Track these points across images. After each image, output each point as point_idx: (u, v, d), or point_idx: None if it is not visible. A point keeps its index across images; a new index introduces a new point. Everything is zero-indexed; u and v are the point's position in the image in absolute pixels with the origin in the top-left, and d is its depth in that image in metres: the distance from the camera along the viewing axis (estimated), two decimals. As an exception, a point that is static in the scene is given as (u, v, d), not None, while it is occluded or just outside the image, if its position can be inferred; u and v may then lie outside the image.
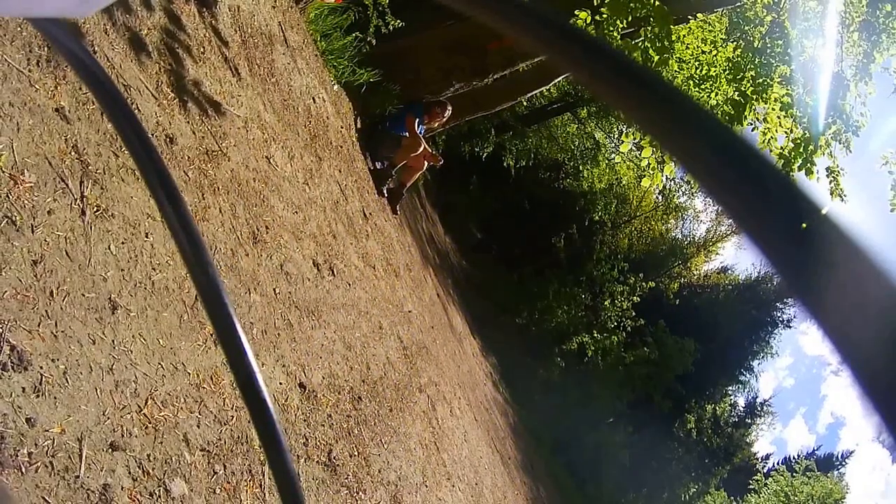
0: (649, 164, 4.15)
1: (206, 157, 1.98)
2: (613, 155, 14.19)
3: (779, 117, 4.37)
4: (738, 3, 4.75)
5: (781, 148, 4.41)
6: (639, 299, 14.02)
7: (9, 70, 1.26)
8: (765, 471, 23.72)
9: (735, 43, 4.62)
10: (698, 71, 4.50)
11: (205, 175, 1.92)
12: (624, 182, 15.12)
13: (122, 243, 1.39)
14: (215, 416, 1.43)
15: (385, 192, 4.61)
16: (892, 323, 0.12)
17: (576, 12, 3.60)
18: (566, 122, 13.49)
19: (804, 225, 0.14)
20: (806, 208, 0.14)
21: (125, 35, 1.76)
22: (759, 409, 25.13)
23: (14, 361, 1.01)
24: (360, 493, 2.01)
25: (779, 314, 22.37)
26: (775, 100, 4.34)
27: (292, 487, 0.35)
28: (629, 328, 14.11)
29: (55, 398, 1.06)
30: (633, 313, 13.81)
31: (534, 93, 6.79)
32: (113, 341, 1.23)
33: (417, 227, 6.86)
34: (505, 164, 11.24)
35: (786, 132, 4.42)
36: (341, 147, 3.84)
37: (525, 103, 10.65)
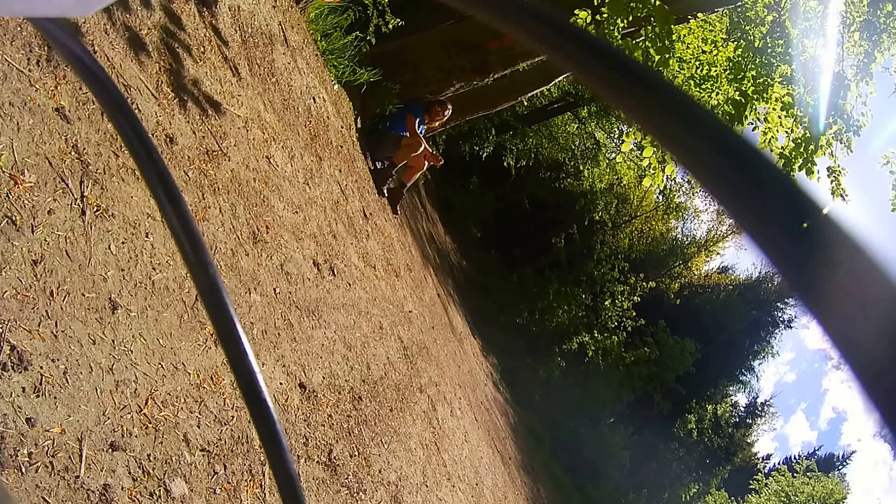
0: (650, 163, 4.14)
1: (206, 156, 1.98)
2: (614, 155, 14.19)
3: (779, 117, 4.37)
4: (739, 3, 4.75)
5: (782, 148, 4.40)
6: (639, 299, 14.03)
7: (9, 70, 1.26)
8: (766, 471, 23.75)
9: (736, 42, 4.62)
10: (699, 71, 4.49)
11: (205, 175, 1.92)
12: (624, 182, 15.13)
13: (123, 243, 1.39)
14: (215, 416, 1.44)
15: (385, 191, 4.61)
16: (895, 323, 0.12)
17: (576, 12, 3.59)
18: (567, 122, 13.49)
19: (805, 224, 0.14)
20: (807, 208, 0.14)
21: (125, 35, 1.76)
22: (759, 409, 25.14)
23: (14, 361, 1.01)
24: (361, 493, 2.01)
25: (779, 314, 22.39)
26: (776, 99, 4.34)
27: (293, 487, 0.35)
28: (629, 328, 14.12)
29: (55, 398, 1.06)
30: (634, 313, 13.82)
31: (534, 92, 6.78)
32: (113, 341, 1.23)
33: (418, 226, 6.86)
34: (505, 164, 11.25)
35: (786, 132, 4.41)
36: (341, 147, 3.84)
37: (525, 103, 10.65)
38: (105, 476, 1.08)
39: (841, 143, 4.68)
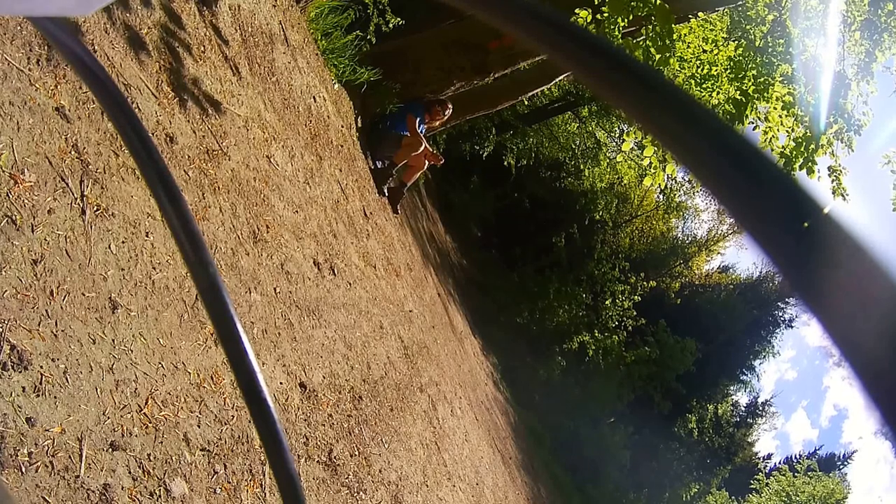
0: (651, 163, 4.13)
1: (206, 156, 1.98)
2: (615, 154, 14.18)
3: (780, 116, 4.36)
4: (740, 2, 4.74)
5: (783, 147, 4.39)
6: (640, 299, 14.02)
7: (9, 69, 1.26)
8: (766, 470, 23.74)
9: (736, 42, 4.61)
10: (699, 70, 4.49)
11: (205, 174, 1.92)
12: (625, 181, 15.11)
13: (123, 242, 1.39)
14: (216, 416, 1.44)
15: (386, 191, 4.61)
16: (895, 323, 0.12)
17: (576, 11, 3.59)
18: (567, 121, 13.49)
19: (806, 224, 0.14)
20: (808, 207, 0.14)
21: (125, 34, 1.76)
22: (760, 408, 25.15)
23: (14, 361, 1.01)
24: (361, 492, 2.01)
25: (780, 313, 22.39)
26: (777, 99, 4.33)
27: (293, 487, 0.35)
28: (630, 328, 14.12)
29: (55, 398, 1.06)
30: (634, 313, 13.81)
31: (535, 91, 6.78)
32: (113, 341, 1.23)
33: (418, 226, 6.86)
34: (506, 163, 11.24)
35: (787, 131, 4.40)
36: (342, 146, 3.84)
37: (526, 102, 10.65)
38: (105, 476, 1.08)
39: (842, 142, 4.67)
